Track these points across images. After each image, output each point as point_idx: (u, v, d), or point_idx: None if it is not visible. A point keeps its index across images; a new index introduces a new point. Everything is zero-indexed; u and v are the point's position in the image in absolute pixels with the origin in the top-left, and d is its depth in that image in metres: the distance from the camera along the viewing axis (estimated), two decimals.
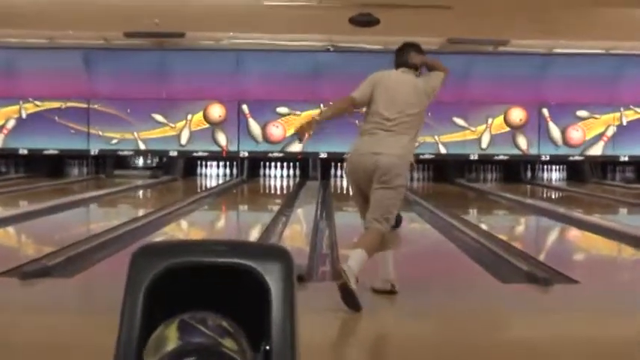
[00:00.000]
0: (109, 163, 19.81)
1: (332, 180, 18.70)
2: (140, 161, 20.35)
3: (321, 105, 19.20)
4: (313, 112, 19.10)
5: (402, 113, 5.83)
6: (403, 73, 6.08)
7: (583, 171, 19.69)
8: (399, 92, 5.93)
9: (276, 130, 19.47)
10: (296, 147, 19.25)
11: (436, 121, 18.13)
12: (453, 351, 4.52)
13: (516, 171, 19.59)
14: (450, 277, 6.93)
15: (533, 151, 19.42)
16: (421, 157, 17.79)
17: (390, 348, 4.76)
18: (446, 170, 19.19)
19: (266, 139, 19.45)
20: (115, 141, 19.47)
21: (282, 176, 19.57)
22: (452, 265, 7.58)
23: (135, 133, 19.43)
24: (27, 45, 18.53)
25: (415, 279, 6.40)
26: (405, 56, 6.12)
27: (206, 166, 19.89)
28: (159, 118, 19.45)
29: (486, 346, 4.69)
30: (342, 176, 18.72)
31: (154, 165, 20.16)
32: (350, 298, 5.17)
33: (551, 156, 19.50)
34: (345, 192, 16.28)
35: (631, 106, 19.56)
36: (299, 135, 5.96)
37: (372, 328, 5.17)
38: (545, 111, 19.40)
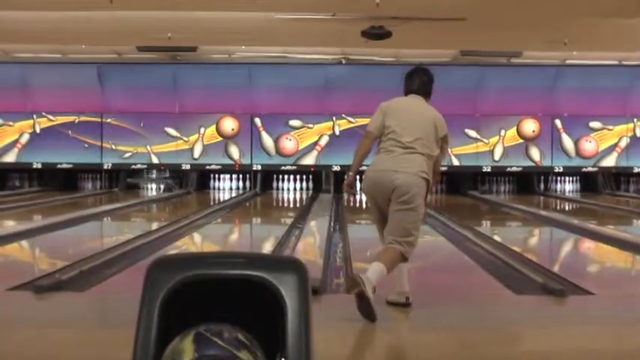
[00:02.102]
0: (123, 177, 19.85)
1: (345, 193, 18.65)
2: (154, 174, 20.34)
3: (333, 118, 19.27)
4: (326, 125, 19.18)
5: (416, 135, 5.80)
6: (413, 99, 6.06)
7: (596, 182, 19.64)
8: (411, 114, 5.92)
9: (288, 143, 19.48)
10: (309, 160, 19.28)
11: (449, 134, 18.09)
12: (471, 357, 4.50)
13: (529, 182, 19.56)
14: (464, 290, 6.91)
15: (547, 163, 19.39)
16: None
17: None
18: (459, 182, 19.17)
19: (279, 152, 19.47)
20: (128, 155, 19.51)
21: (295, 189, 19.59)
22: (466, 278, 7.56)
23: (148, 147, 19.47)
24: (40, 60, 18.63)
25: (429, 291, 6.40)
26: (415, 83, 6.08)
27: (219, 179, 19.93)
28: (172, 131, 19.49)
29: (501, 359, 4.66)
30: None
31: (168, 175, 20.15)
32: (366, 307, 5.14)
33: (564, 167, 19.47)
34: (357, 205, 16.26)
35: None
36: (352, 192, 6.21)
37: (387, 340, 5.15)
38: (558, 122, 19.38)
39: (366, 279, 5.20)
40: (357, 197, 16.48)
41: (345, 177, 6.02)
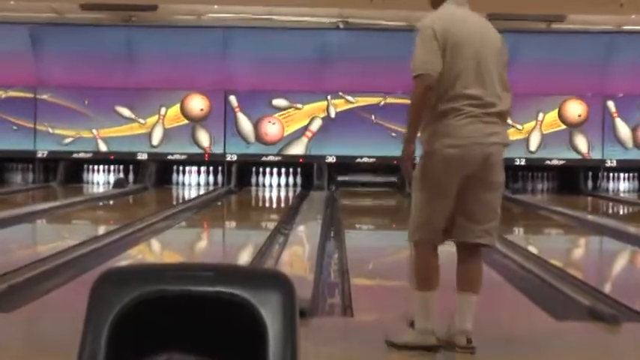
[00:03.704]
0: (62, 168, 19.81)
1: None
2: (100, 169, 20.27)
3: (328, 97, 19.28)
4: (318, 105, 19.20)
5: (494, 81, 5.51)
6: (462, 9, 5.56)
7: None
8: (476, 45, 5.44)
9: (272, 128, 19.52)
10: (297, 149, 19.32)
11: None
12: None
13: (574, 180, 19.60)
14: (492, 313, 6.92)
15: (596, 155, 19.43)
16: None
17: None
18: None
19: (259, 139, 19.49)
20: (68, 140, 19.51)
21: (279, 185, 19.61)
22: (494, 298, 7.57)
23: (94, 131, 19.47)
24: None
25: (450, 313, 6.41)
26: None
27: (184, 172, 19.92)
28: (125, 112, 19.51)
29: None
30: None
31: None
32: None
33: (618, 161, 19.50)
34: (356, 204, 16.28)
35: None
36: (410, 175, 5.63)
37: None
38: (610, 104, 19.41)
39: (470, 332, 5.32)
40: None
41: (402, 154, 5.47)
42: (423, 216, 5.44)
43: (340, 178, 19.24)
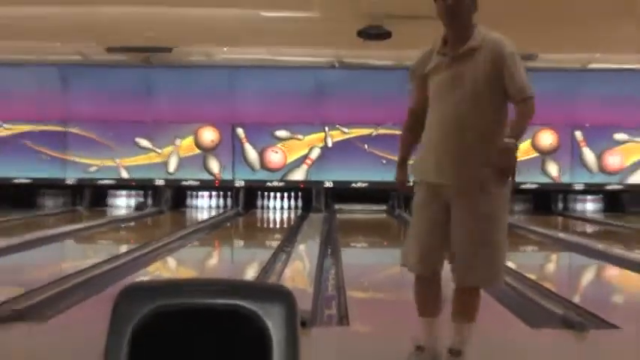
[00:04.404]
0: (87, 194, 19.81)
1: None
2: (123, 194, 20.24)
3: (326, 128, 19.29)
4: (317, 136, 19.19)
5: None
6: None
7: (622, 201, 19.68)
8: None
9: (275, 157, 19.51)
10: (298, 175, 19.31)
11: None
12: None
13: (546, 201, 19.58)
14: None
15: (566, 180, 19.43)
16: None
17: None
18: None
19: (264, 166, 19.50)
20: (94, 168, 19.51)
21: (282, 208, 19.59)
22: None
23: (116, 160, 19.47)
24: None
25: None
26: None
27: (197, 196, 19.92)
28: (144, 143, 19.51)
29: None
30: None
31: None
32: None
33: (585, 184, 19.50)
34: (351, 226, 16.26)
35: None
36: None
37: None
38: (578, 134, 19.42)
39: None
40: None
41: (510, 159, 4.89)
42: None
43: (337, 206, 19.21)
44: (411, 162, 5.19)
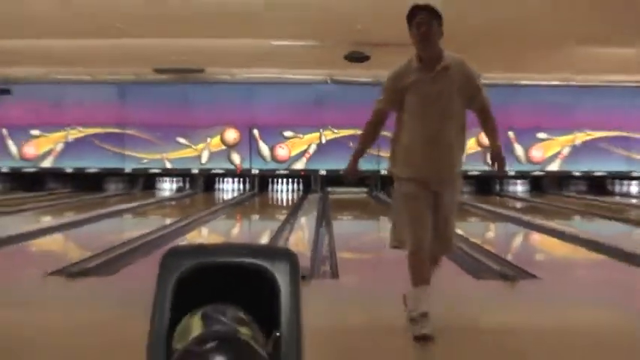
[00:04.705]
0: (141, 180, 19.81)
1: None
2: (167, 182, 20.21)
3: (320, 129, 19.27)
4: (314, 135, 19.16)
5: None
6: None
7: (543, 184, 19.70)
8: None
9: (282, 151, 19.48)
10: (300, 165, 19.30)
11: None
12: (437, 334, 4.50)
13: (487, 185, 19.58)
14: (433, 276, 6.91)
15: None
16: None
17: (380, 334, 4.72)
18: None
19: (274, 158, 19.46)
20: (145, 161, 19.49)
21: (287, 190, 19.56)
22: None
23: (162, 154, 19.45)
24: (72, 81, 18.61)
25: (400, 274, 6.38)
26: None
27: (223, 181, 19.89)
28: (183, 141, 19.47)
29: (462, 329, 4.67)
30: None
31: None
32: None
33: (516, 172, 19.51)
34: (340, 204, 16.25)
35: (584, 129, 19.59)
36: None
37: (366, 318, 5.14)
38: (510, 133, 19.41)
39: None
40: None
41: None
42: None
43: (330, 189, 19.19)
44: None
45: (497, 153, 4.73)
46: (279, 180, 19.72)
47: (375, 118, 4.87)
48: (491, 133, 4.87)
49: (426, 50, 4.60)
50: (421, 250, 4.60)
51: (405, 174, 4.74)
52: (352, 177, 5.07)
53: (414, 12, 4.57)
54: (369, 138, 4.95)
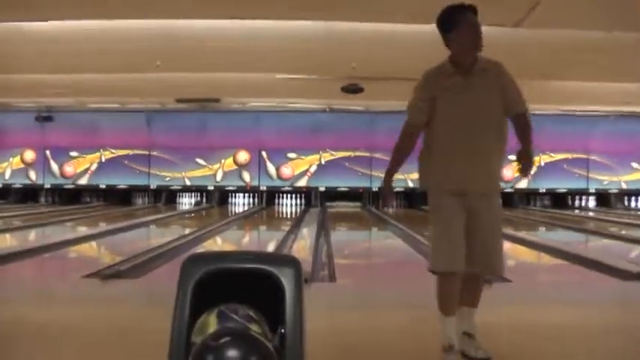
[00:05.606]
0: (164, 196, 19.81)
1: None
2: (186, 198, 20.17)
3: (320, 152, 19.29)
4: (314, 157, 19.17)
5: None
6: None
7: (513, 200, 19.67)
8: None
9: (286, 170, 19.50)
10: (302, 182, 19.30)
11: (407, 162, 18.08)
12: (419, 330, 4.48)
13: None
14: (415, 279, 6.88)
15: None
16: (396, 189, 17.74)
17: (374, 332, 4.70)
18: (413, 199, 19.01)
19: (279, 176, 19.47)
20: (168, 179, 19.51)
21: (291, 205, 19.55)
22: (417, 270, 7.51)
23: (183, 173, 19.47)
24: (105, 109, 18.62)
25: (390, 277, 6.39)
26: None
27: (235, 197, 19.88)
28: (201, 161, 19.49)
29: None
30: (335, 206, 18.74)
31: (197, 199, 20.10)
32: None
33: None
34: (337, 217, 16.23)
35: (547, 152, 19.58)
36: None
37: (361, 317, 5.13)
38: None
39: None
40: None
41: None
42: None
43: (328, 204, 19.17)
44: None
45: (529, 153, 3.85)
46: (284, 195, 19.71)
47: (411, 130, 3.87)
48: (527, 137, 3.88)
49: (473, 54, 3.75)
50: (454, 275, 3.77)
51: (438, 186, 3.85)
52: (390, 200, 4.16)
53: (462, 11, 3.72)
54: (404, 154, 3.90)
